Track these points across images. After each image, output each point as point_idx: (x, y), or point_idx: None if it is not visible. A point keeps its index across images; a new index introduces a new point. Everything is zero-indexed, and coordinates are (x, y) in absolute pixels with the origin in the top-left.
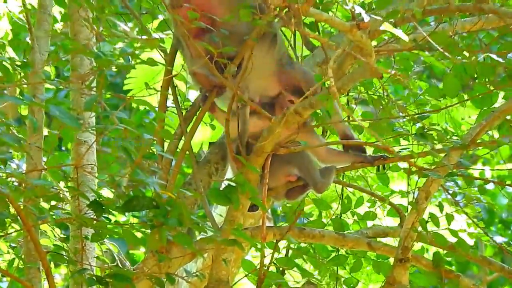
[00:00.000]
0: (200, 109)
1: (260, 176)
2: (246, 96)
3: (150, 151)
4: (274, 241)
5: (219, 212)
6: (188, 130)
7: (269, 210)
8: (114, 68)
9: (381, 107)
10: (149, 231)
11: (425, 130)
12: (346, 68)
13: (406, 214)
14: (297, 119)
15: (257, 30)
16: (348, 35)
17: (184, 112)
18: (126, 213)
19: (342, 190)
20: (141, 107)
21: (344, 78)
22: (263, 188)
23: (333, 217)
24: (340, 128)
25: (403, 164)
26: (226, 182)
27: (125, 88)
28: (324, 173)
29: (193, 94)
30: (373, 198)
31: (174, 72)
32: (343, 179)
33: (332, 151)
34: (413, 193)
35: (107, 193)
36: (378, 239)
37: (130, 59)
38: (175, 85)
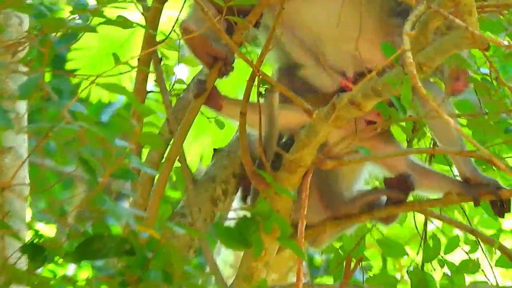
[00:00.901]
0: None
1: (294, 203)
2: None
3: (122, 164)
4: None
5: (224, 257)
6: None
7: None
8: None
9: (487, 95)
10: None
11: None
12: (431, 34)
13: None
14: (354, 113)
15: None
16: None
17: (174, 100)
18: (82, 262)
19: (426, 224)
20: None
21: (429, 50)
22: (300, 223)
23: (411, 268)
24: (442, 133)
25: None
26: (240, 213)
27: (68, 66)
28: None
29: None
30: (474, 238)
31: (159, 38)
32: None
33: (415, 167)
34: None
35: (49, 229)
36: None
37: (89, 18)
38: (160, 57)
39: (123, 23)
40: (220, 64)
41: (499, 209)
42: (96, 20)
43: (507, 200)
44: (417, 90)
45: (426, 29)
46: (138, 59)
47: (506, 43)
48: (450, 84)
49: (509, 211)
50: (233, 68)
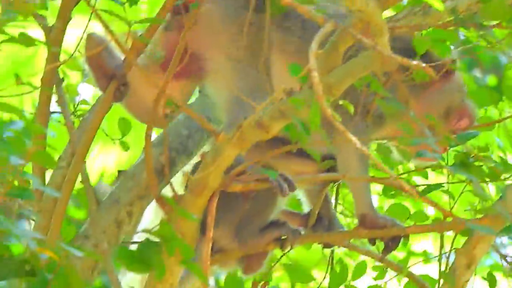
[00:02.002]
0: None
1: (200, 226)
2: None
3: (23, 185)
4: None
5: (129, 281)
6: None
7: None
8: None
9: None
10: None
11: (471, 158)
12: (340, 54)
13: None
14: (261, 135)
15: None
16: (345, 1)
17: (76, 122)
18: None
19: (333, 250)
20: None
21: (338, 72)
22: (205, 247)
23: None
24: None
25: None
26: (144, 236)
27: None
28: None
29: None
30: (381, 264)
31: (63, 58)
32: None
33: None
34: (447, 257)
35: None
36: None
37: None
38: (62, 78)
39: (25, 40)
40: (113, 85)
41: (385, 247)
42: None
43: (395, 238)
44: (323, 112)
45: (336, 49)
46: (41, 79)
47: (415, 62)
48: (452, 123)
49: (390, 251)
50: (127, 90)
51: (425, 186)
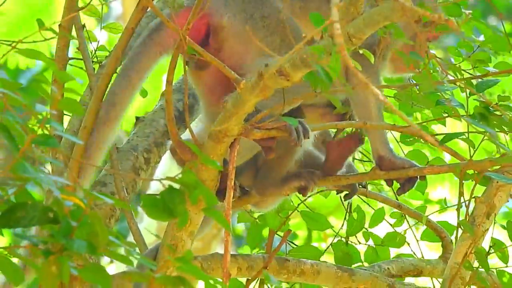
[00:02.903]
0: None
1: (220, 173)
2: None
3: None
4: (239, 280)
5: (145, 226)
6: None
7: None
8: None
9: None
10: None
11: (491, 108)
12: (362, 3)
13: (454, 240)
14: (282, 83)
15: None
16: None
17: (96, 67)
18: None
19: None
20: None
21: (359, 21)
22: (227, 194)
23: (334, 240)
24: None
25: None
26: (166, 183)
27: None
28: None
29: (111, 39)
30: (400, 211)
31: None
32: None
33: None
34: (466, 205)
35: None
36: (407, 279)
37: None
38: (83, 24)
39: None
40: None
41: (401, 187)
42: None
43: (411, 179)
44: (345, 62)
45: None
46: (59, 25)
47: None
48: (424, 33)
49: (405, 191)
50: None
51: (445, 135)
